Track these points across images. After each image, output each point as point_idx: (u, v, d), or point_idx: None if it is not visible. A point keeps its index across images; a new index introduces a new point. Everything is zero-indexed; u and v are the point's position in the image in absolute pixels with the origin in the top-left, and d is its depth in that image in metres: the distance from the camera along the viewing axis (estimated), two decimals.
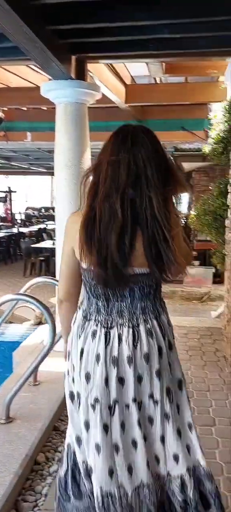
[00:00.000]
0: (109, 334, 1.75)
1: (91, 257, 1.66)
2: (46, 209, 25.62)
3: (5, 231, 15.88)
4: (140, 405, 1.76)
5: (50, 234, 14.21)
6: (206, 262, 10.13)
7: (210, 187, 6.68)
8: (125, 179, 1.63)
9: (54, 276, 5.20)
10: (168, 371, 1.82)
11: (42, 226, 17.47)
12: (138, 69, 6.19)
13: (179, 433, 1.82)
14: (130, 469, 1.75)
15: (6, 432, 3.01)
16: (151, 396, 1.78)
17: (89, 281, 1.77)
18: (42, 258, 11.95)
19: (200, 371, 4.37)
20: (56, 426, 3.28)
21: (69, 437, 1.94)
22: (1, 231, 15.93)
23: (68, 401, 1.93)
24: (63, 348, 2.05)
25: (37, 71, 6.17)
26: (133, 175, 1.64)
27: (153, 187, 1.63)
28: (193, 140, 9.21)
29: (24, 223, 20.69)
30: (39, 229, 16.41)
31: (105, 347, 1.74)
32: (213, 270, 9.19)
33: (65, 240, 1.89)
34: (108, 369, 1.73)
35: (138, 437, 1.75)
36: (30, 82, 6.63)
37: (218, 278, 9.29)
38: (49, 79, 4.63)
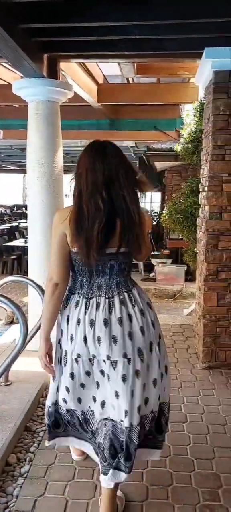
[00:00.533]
0: (89, 302, 2.22)
1: (79, 244, 2.15)
2: (19, 207, 25.36)
3: None
4: (115, 364, 2.18)
5: (23, 233, 14.08)
6: (178, 260, 10.24)
7: (182, 187, 6.76)
8: (102, 182, 2.13)
9: (27, 275, 5.17)
10: (140, 334, 2.22)
11: (14, 224, 17.28)
12: (110, 68, 6.20)
13: (144, 387, 2.24)
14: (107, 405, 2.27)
15: None
16: (125, 355, 2.18)
17: (77, 262, 2.24)
18: (14, 257, 11.83)
19: (173, 368, 4.42)
20: (28, 426, 3.26)
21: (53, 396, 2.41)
22: None
23: (57, 365, 2.37)
24: (42, 334, 2.37)
25: (9, 69, 6.11)
26: (108, 179, 2.14)
27: (124, 187, 2.15)
28: (165, 140, 9.28)
29: None
30: (11, 227, 16.22)
31: (85, 313, 2.21)
32: (185, 268, 9.29)
33: (54, 233, 2.26)
34: (86, 330, 2.20)
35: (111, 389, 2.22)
36: (2, 80, 6.54)
37: (190, 276, 9.42)
38: (21, 77, 4.60)
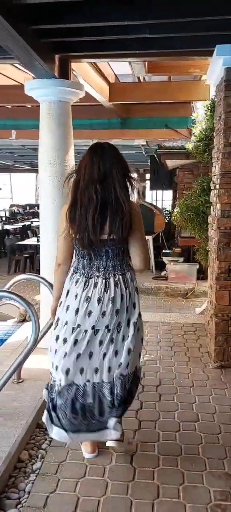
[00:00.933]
0: (88, 281, 2.63)
1: (74, 230, 2.57)
2: (31, 206, 25.51)
3: None
4: (96, 332, 2.60)
5: (35, 231, 14.15)
6: (190, 259, 10.20)
7: (193, 185, 6.73)
8: (97, 176, 2.53)
9: (39, 273, 5.20)
10: (124, 311, 2.65)
11: (27, 223, 17.38)
12: (122, 67, 6.21)
13: (116, 353, 2.63)
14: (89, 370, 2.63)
15: None
16: (107, 327, 2.60)
17: (77, 246, 2.65)
18: (26, 255, 11.90)
19: (184, 367, 4.42)
20: (40, 423, 3.28)
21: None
22: None
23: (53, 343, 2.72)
24: (51, 307, 2.85)
25: (21, 70, 6.15)
26: (102, 174, 2.54)
27: (117, 180, 2.54)
28: (176, 138, 9.25)
29: (8, 220, 20.54)
30: (24, 226, 16.32)
31: (83, 290, 2.61)
32: (197, 266, 9.24)
33: (60, 224, 2.72)
34: (80, 304, 2.60)
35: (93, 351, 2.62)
36: (15, 80, 6.60)
37: (202, 274, 9.37)
38: (33, 78, 4.63)
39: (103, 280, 2.60)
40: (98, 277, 2.61)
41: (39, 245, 5.85)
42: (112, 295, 2.59)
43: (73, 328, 2.61)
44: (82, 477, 2.70)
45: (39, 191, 5.03)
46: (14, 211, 23.75)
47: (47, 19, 3.62)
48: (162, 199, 19.89)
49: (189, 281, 9.56)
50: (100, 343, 2.61)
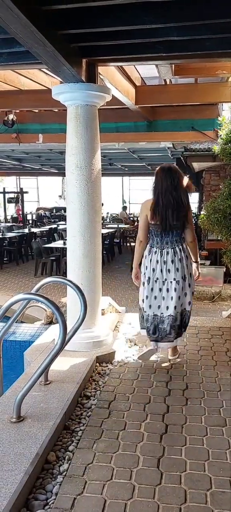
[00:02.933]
0: (162, 251, 4.30)
1: (156, 219, 4.22)
2: (58, 209, 25.75)
3: (16, 231, 15.98)
4: (177, 283, 4.28)
5: (61, 234, 14.28)
6: (217, 262, 10.10)
7: (220, 187, 6.66)
8: (171, 187, 4.19)
9: (65, 276, 5.25)
10: (181, 270, 4.29)
11: (53, 226, 17.55)
12: (148, 70, 6.21)
13: (179, 298, 4.31)
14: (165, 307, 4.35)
15: (17, 431, 3.04)
16: (174, 279, 4.28)
17: (154, 229, 4.29)
18: (53, 258, 12.02)
19: (211, 371, 4.37)
20: (67, 425, 3.31)
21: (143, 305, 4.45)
22: (12, 231, 16.03)
23: (142, 287, 4.44)
24: (133, 273, 4.56)
25: (48, 74, 6.23)
26: (174, 186, 4.19)
27: (181, 191, 4.22)
28: (203, 140, 9.19)
29: (35, 223, 20.79)
30: (50, 229, 16.49)
31: (161, 256, 4.29)
32: (224, 269, 9.15)
33: (141, 214, 4.36)
34: (162, 265, 4.28)
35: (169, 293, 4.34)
36: (42, 85, 6.69)
37: (229, 278, 9.26)
38: (60, 82, 4.67)
39: (171, 249, 4.27)
40: (168, 248, 4.28)
41: (65, 248, 5.90)
42: (179, 257, 4.27)
43: (152, 280, 4.32)
44: (109, 480, 2.70)
45: (66, 194, 5.08)
46: (41, 214, 24.02)
47: (75, 24, 3.66)
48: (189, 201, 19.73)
49: (215, 284, 9.47)
50: (167, 290, 4.29)
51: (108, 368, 4.42)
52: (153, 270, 4.28)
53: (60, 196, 29.44)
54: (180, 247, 4.28)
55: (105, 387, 4.00)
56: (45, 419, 3.22)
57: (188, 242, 4.36)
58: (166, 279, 4.27)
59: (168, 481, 2.69)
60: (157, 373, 4.31)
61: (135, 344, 5.16)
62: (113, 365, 4.52)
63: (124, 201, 27.74)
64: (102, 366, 4.46)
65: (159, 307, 4.30)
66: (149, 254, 4.34)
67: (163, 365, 4.50)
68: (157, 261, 4.26)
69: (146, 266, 4.34)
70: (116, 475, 2.75)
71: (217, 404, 3.69)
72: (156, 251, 4.29)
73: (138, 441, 3.11)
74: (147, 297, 4.33)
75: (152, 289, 4.31)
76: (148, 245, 4.37)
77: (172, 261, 4.24)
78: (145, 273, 4.37)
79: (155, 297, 4.31)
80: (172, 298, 4.26)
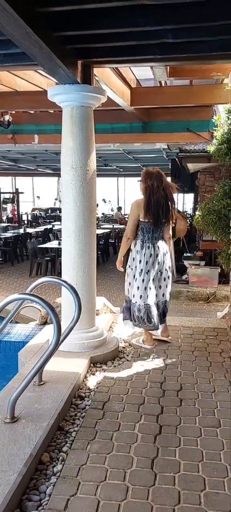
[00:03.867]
0: (154, 246, 4.83)
1: (149, 217, 4.75)
2: (53, 210, 25.72)
3: (12, 231, 15.96)
4: (160, 273, 4.94)
5: (56, 235, 14.27)
6: (211, 262, 10.12)
7: (215, 188, 6.67)
8: (160, 188, 4.76)
9: (60, 276, 5.25)
10: (164, 262, 4.93)
11: (48, 226, 17.53)
12: (143, 72, 6.23)
13: (166, 286, 5.04)
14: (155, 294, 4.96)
15: (11, 432, 3.04)
16: (165, 269, 4.95)
17: (146, 226, 4.79)
18: (48, 258, 12.01)
19: (206, 372, 4.38)
20: (61, 426, 3.31)
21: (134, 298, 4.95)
22: (8, 231, 16.01)
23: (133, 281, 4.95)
24: (118, 260, 5.12)
25: (44, 75, 6.23)
26: (162, 187, 4.77)
27: (167, 191, 4.84)
28: (198, 141, 9.22)
29: (31, 224, 20.77)
30: (46, 229, 16.47)
31: (154, 250, 4.82)
32: (219, 270, 9.17)
33: (133, 212, 4.84)
34: (154, 258, 4.81)
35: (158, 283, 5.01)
36: (37, 86, 6.69)
37: (224, 278, 9.28)
38: (56, 83, 4.68)
39: (159, 244, 4.86)
40: (157, 242, 4.84)
41: (60, 248, 5.90)
42: (162, 252, 4.88)
43: (144, 272, 4.82)
44: (103, 481, 2.70)
45: (61, 194, 5.08)
46: (36, 214, 24.00)
47: (71, 25, 3.66)
48: (183, 202, 19.80)
49: (210, 285, 9.50)
50: (159, 280, 4.93)
51: (102, 369, 4.43)
52: (146, 262, 4.79)
53: (56, 199, 29.49)
54: (164, 241, 4.94)
55: (99, 387, 4.00)
56: (39, 419, 3.22)
57: (166, 237, 4.98)
58: (160, 271, 4.90)
59: (161, 482, 2.70)
60: (151, 373, 4.32)
61: (129, 345, 5.17)
62: (108, 365, 4.52)
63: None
64: (97, 367, 4.46)
65: (148, 296, 4.82)
66: (142, 249, 4.82)
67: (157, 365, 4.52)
68: (151, 255, 4.79)
69: (140, 260, 4.82)
70: (110, 476, 2.75)
71: (211, 405, 3.71)
72: (149, 245, 4.80)
73: (132, 442, 3.12)
74: (138, 287, 4.82)
75: (143, 280, 4.80)
76: (139, 240, 4.85)
77: (162, 254, 4.86)
78: (136, 267, 4.87)
79: (146, 288, 4.80)
80: (166, 286, 5.01)
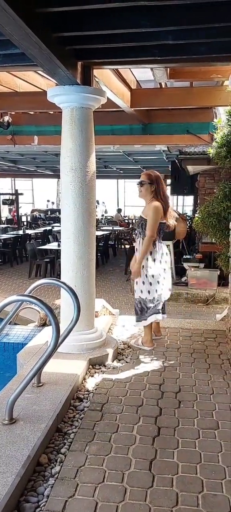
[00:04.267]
0: (162, 244, 5.20)
1: (166, 218, 5.11)
2: (52, 211, 25.71)
3: (11, 233, 15.95)
4: (165, 270, 5.22)
5: (56, 236, 14.27)
6: (211, 265, 10.12)
7: (215, 190, 6.68)
8: (165, 191, 5.26)
9: (59, 278, 5.24)
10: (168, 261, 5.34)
11: (48, 228, 17.53)
12: (143, 73, 6.23)
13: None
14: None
15: (9, 433, 3.03)
16: (168, 267, 5.31)
17: (163, 226, 5.11)
18: (47, 260, 12.00)
19: (204, 374, 4.38)
20: (59, 427, 3.30)
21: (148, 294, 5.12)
22: (7, 233, 16.00)
23: (152, 284, 5.06)
24: (138, 264, 5.06)
25: (44, 76, 6.23)
26: (165, 191, 5.27)
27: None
28: (198, 144, 9.23)
29: (30, 225, 20.76)
30: (45, 231, 16.47)
31: (163, 248, 5.18)
32: (218, 272, 9.17)
33: (157, 215, 4.94)
34: (165, 256, 5.20)
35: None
36: (37, 87, 6.69)
37: (223, 281, 9.28)
38: (56, 84, 4.68)
39: (163, 243, 5.22)
40: (162, 241, 5.21)
41: (60, 249, 5.90)
42: (166, 251, 5.28)
43: (160, 269, 5.06)
44: (101, 482, 2.70)
45: (61, 196, 5.08)
46: (36, 216, 23.99)
47: (71, 26, 3.66)
48: (183, 204, 19.82)
49: (209, 287, 9.50)
50: (165, 277, 5.14)
51: (101, 371, 4.42)
52: (160, 262, 5.06)
53: (53, 203, 29.48)
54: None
55: (98, 389, 4.00)
56: (37, 421, 3.21)
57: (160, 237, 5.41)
58: (168, 267, 5.34)
59: (159, 484, 2.69)
60: (150, 375, 4.32)
61: (128, 347, 5.16)
62: (107, 367, 4.52)
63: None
64: (95, 369, 4.46)
65: (158, 290, 5.05)
66: (159, 249, 5.07)
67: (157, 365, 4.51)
68: (162, 253, 5.13)
69: (154, 259, 5.04)
70: (108, 477, 2.75)
71: (209, 407, 3.70)
72: (161, 244, 5.14)
73: (130, 443, 3.11)
74: (150, 284, 5.01)
75: (159, 275, 5.06)
76: (156, 241, 5.04)
77: (166, 252, 5.27)
78: (150, 267, 5.02)
79: (158, 282, 5.03)
80: (169, 280, 5.31)
